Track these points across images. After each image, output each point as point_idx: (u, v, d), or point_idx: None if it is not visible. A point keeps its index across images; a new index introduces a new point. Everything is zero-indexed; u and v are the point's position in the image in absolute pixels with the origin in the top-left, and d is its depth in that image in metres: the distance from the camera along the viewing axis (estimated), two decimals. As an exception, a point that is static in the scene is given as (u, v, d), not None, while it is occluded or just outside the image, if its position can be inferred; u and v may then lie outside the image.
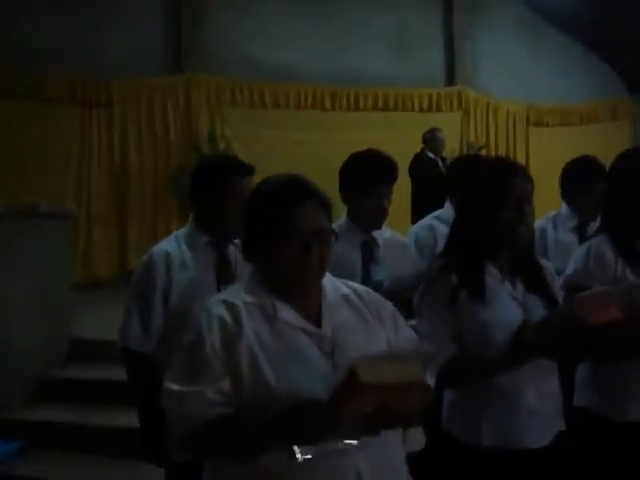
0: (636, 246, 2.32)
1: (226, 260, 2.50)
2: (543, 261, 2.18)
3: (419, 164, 7.37)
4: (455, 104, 9.82)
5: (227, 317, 1.54)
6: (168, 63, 8.70)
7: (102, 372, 4.67)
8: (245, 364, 1.50)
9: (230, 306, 1.57)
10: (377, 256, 2.74)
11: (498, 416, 1.97)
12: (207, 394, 1.48)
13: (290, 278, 1.57)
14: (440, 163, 7.51)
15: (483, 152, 7.96)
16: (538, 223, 3.49)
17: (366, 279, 2.62)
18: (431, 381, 1.69)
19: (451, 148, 8.34)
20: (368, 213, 2.73)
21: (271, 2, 8.98)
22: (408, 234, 3.31)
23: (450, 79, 9.98)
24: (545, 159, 9.38)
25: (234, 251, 2.49)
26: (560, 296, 2.12)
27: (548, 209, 3.52)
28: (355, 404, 1.32)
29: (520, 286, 2.04)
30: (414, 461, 1.96)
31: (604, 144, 8.05)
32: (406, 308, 2.03)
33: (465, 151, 9.01)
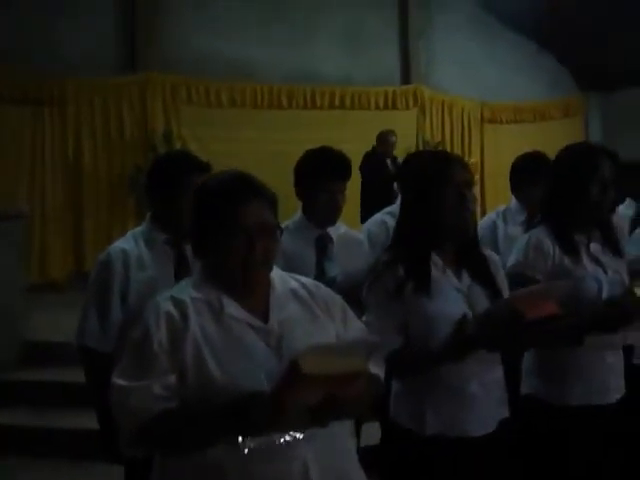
0: (575, 236, 2.40)
1: (184, 258, 2.48)
2: (488, 252, 2.22)
3: (368, 162, 7.53)
4: (411, 102, 9.89)
5: (174, 313, 1.56)
6: (122, 62, 8.57)
7: (57, 374, 4.63)
8: (190, 358, 1.51)
9: (177, 302, 1.58)
10: (331, 252, 2.76)
11: (442, 405, 2.01)
12: (154, 389, 1.49)
13: (236, 274, 1.58)
14: (389, 162, 7.68)
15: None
16: (489, 217, 3.57)
17: (320, 275, 2.63)
18: (380, 372, 1.72)
19: (407, 146, 8.39)
20: (322, 209, 2.74)
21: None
22: (362, 230, 3.34)
23: (405, 77, 10.04)
24: (500, 155, 9.49)
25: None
26: (505, 287, 2.17)
27: (503, 205, 3.58)
28: (298, 394, 1.33)
29: (466, 277, 2.08)
30: (370, 455, 2.00)
31: (557, 141, 8.00)
32: (359, 304, 2.06)
33: (421, 148, 9.10)
